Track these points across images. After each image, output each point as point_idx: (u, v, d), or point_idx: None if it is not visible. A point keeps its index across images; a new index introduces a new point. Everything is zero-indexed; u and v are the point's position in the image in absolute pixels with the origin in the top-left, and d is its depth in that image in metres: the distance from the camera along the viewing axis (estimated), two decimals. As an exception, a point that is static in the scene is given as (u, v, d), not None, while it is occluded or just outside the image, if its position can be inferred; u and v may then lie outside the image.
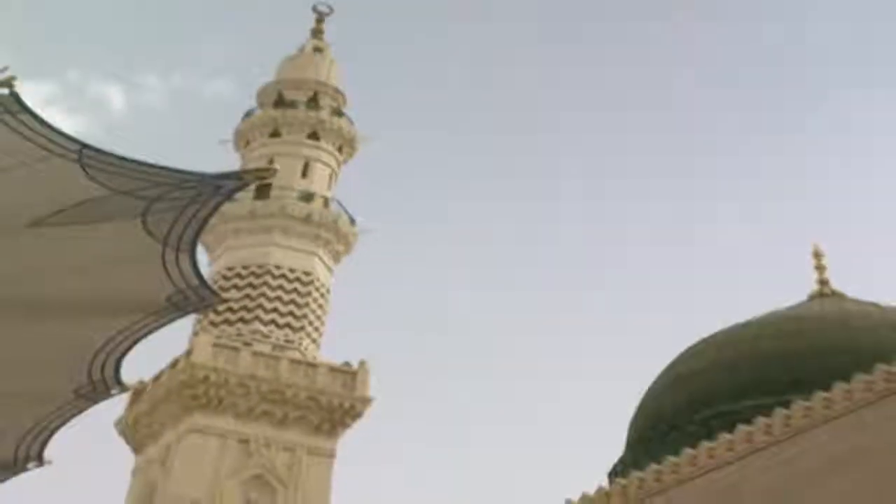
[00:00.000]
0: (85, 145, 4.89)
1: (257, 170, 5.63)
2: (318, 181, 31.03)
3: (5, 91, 4.54)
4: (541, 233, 64.76)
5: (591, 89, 67.59)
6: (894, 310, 18.84)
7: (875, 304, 19.25)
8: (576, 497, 13.39)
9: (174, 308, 6.32)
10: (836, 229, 60.25)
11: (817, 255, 21.27)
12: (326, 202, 30.66)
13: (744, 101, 67.19)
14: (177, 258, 5.83)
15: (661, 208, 65.50)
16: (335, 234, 30.01)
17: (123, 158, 5.03)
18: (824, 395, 11.12)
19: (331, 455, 26.80)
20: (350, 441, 27.64)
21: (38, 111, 4.67)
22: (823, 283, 20.71)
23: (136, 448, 27.98)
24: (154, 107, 70.53)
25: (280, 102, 32.29)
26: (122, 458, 28.27)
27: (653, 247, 64.03)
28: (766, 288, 50.09)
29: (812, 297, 20.49)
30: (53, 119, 4.73)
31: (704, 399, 17.70)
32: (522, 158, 66.69)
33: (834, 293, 20.33)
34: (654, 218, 65.43)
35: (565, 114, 66.68)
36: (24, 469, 7.62)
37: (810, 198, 63.85)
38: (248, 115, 32.63)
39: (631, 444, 19.28)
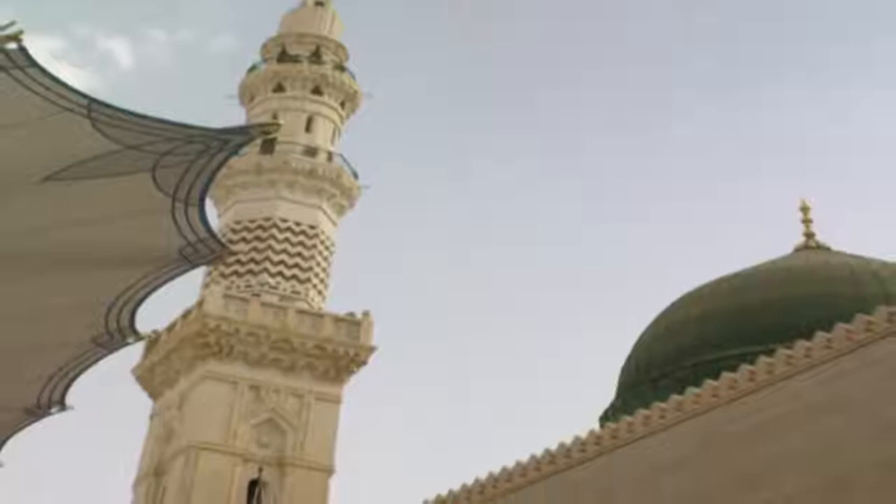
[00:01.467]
0: (93, 100, 4.83)
1: (262, 124, 5.57)
2: (321, 136, 30.80)
3: (13, 45, 4.46)
4: (540, 189, 64.61)
5: (591, 23, 66.41)
6: (875, 262, 18.87)
7: (857, 257, 19.28)
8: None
9: (185, 260, 6.33)
10: (824, 184, 60.03)
11: (804, 209, 21.25)
12: (330, 157, 30.49)
13: (729, 55, 66.29)
14: (186, 211, 5.82)
15: (653, 164, 65.24)
16: (339, 189, 29.91)
17: (132, 113, 4.98)
18: (806, 343, 11.18)
19: (337, 400, 27.17)
20: (355, 386, 28.01)
21: (46, 66, 4.61)
22: (809, 236, 20.71)
23: (153, 394, 28.33)
24: (160, 62, 69.57)
25: (283, 57, 31.81)
26: (142, 403, 28.64)
27: (647, 203, 63.93)
28: (756, 242, 50.08)
29: (798, 250, 20.52)
30: (61, 74, 4.66)
31: (692, 348, 17.85)
32: (519, 114, 66.16)
33: (819, 246, 20.35)
34: (647, 174, 65.15)
35: (565, 69, 65.83)
36: (47, 413, 7.72)
37: (800, 153, 63.53)
38: (252, 69, 32.21)
39: (621, 391, 19.50)
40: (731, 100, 65.10)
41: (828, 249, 20.26)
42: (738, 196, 63.44)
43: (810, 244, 20.48)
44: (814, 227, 20.89)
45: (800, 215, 21.16)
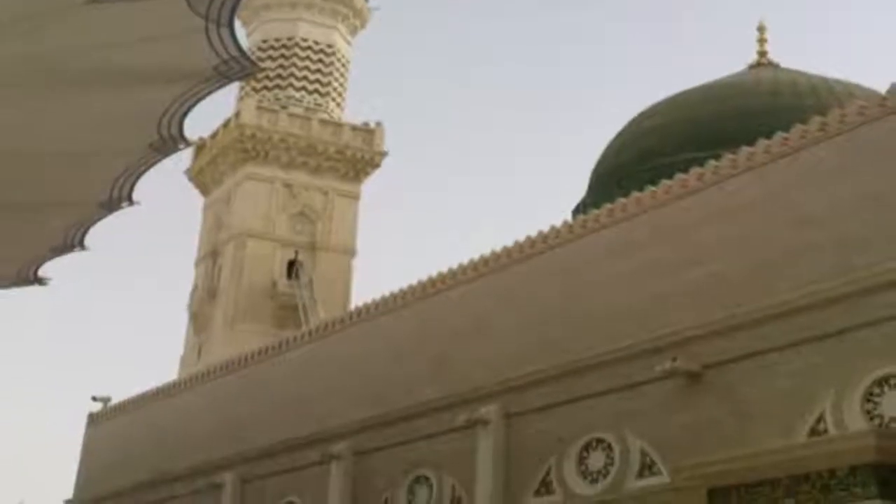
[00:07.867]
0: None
1: (280, -51, 5.12)
2: (333, -41, 28.71)
3: None
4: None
5: None
6: (817, 77, 18.30)
7: (802, 73, 18.64)
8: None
9: (220, 76, 6.16)
10: (784, 6, 56.34)
11: (761, 28, 20.13)
12: (342, -21, 28.67)
13: None
14: (219, 31, 5.55)
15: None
16: (351, 10, 28.76)
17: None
18: (748, 149, 11.12)
19: (356, 197, 28.26)
20: (371, 186, 28.52)
21: None
22: (762, 54, 19.84)
23: (204, 191, 29.10)
24: None
25: None
26: (196, 200, 29.20)
27: (623, 22, 60.44)
28: (717, 61, 48.15)
29: (751, 67, 19.77)
30: None
31: (652, 153, 17.81)
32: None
33: (770, 63, 19.57)
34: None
35: None
36: (118, 207, 7.87)
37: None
38: None
39: (591, 189, 19.73)
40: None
41: (776, 67, 19.51)
42: (702, 17, 59.96)
43: (762, 62, 19.69)
44: (768, 47, 19.94)
45: (756, 34, 20.12)
